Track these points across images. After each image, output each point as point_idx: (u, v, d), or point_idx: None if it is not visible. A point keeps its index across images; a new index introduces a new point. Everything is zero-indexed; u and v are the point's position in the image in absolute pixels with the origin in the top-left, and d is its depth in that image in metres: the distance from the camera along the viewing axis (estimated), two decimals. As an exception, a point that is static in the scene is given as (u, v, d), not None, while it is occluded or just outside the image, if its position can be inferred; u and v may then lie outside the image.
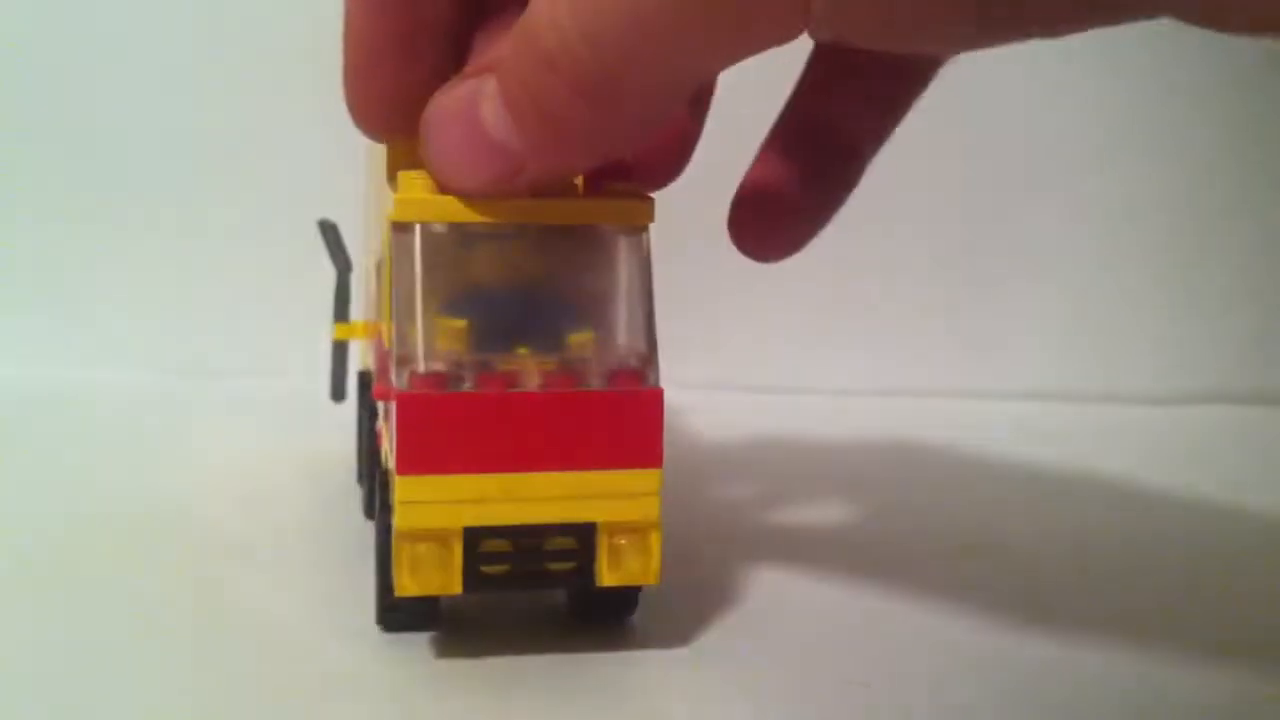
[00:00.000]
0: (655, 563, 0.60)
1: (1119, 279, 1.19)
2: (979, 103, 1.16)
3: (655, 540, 0.60)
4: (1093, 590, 0.72)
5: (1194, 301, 1.20)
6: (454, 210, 0.58)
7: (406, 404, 0.57)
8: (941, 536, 0.80)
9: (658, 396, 0.60)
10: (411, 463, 0.57)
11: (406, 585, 0.58)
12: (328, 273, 0.81)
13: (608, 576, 0.60)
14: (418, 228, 0.59)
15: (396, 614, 0.62)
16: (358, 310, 0.83)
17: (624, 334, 0.61)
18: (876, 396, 1.14)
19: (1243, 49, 1.17)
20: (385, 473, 0.63)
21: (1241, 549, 0.80)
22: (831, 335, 1.17)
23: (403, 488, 0.57)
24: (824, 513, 0.84)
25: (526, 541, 0.59)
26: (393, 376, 0.59)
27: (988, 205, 1.18)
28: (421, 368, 0.58)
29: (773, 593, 0.70)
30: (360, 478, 0.83)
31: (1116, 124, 1.18)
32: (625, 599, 0.64)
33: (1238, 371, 1.18)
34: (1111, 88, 1.17)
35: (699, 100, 0.66)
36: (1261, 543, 0.81)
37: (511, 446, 0.58)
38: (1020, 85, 1.17)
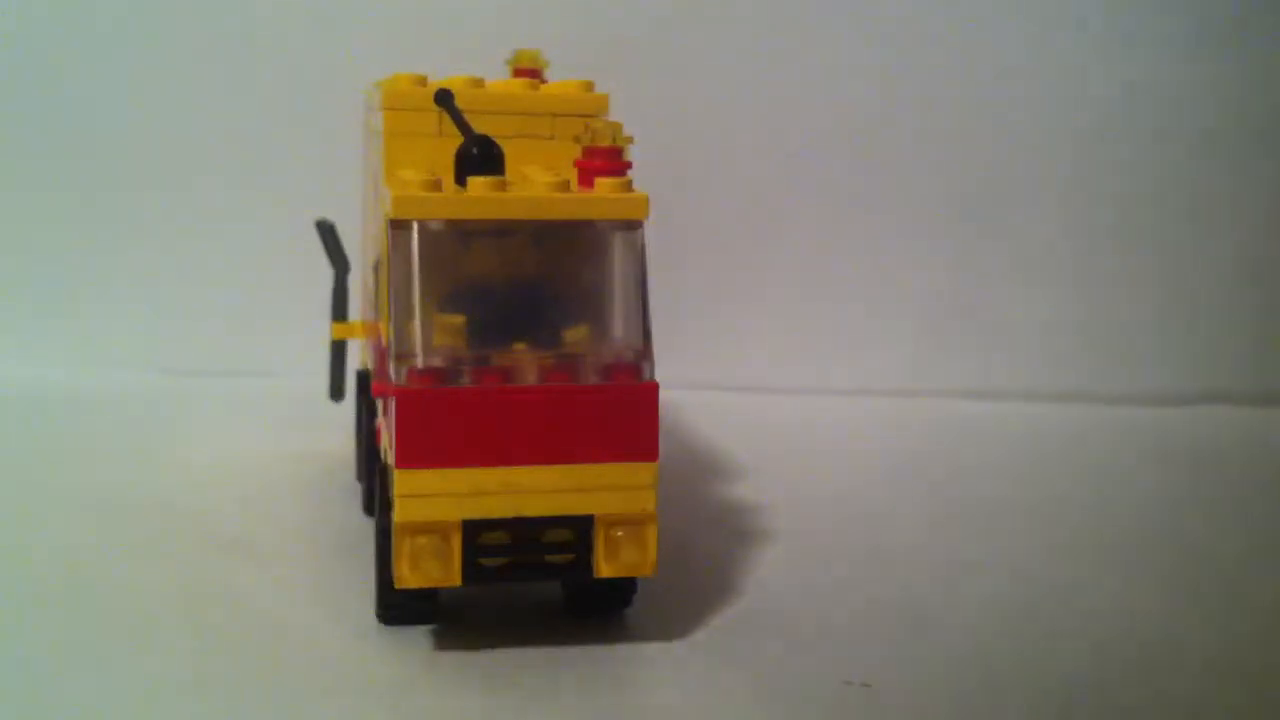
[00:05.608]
0: (652, 555, 0.61)
1: (1119, 279, 1.19)
2: (978, 102, 1.17)
3: (652, 532, 0.60)
4: (1092, 590, 0.72)
5: (1194, 301, 1.20)
6: (451, 207, 0.59)
7: (405, 399, 0.58)
8: (941, 536, 0.80)
9: (653, 390, 0.60)
10: (410, 457, 0.58)
11: (406, 577, 0.59)
12: (326, 273, 0.82)
13: (605, 568, 0.60)
14: (415, 225, 0.59)
15: (396, 607, 0.63)
16: (356, 310, 0.84)
17: (620, 329, 0.61)
18: (876, 396, 1.14)
19: (1242, 51, 1.17)
20: (384, 468, 0.63)
21: (1241, 549, 0.80)
22: (831, 335, 1.17)
23: (402, 481, 0.58)
24: (822, 511, 0.84)
25: (525, 534, 0.60)
26: (391, 372, 0.59)
27: (987, 205, 1.18)
28: (420, 363, 0.59)
29: (770, 589, 0.70)
30: (359, 475, 0.83)
31: (1115, 123, 1.18)
32: (622, 591, 0.64)
33: (1238, 371, 1.18)
34: (1111, 87, 1.17)
35: None
36: (1261, 543, 0.81)
37: (509, 440, 0.59)
38: (1019, 84, 1.17)
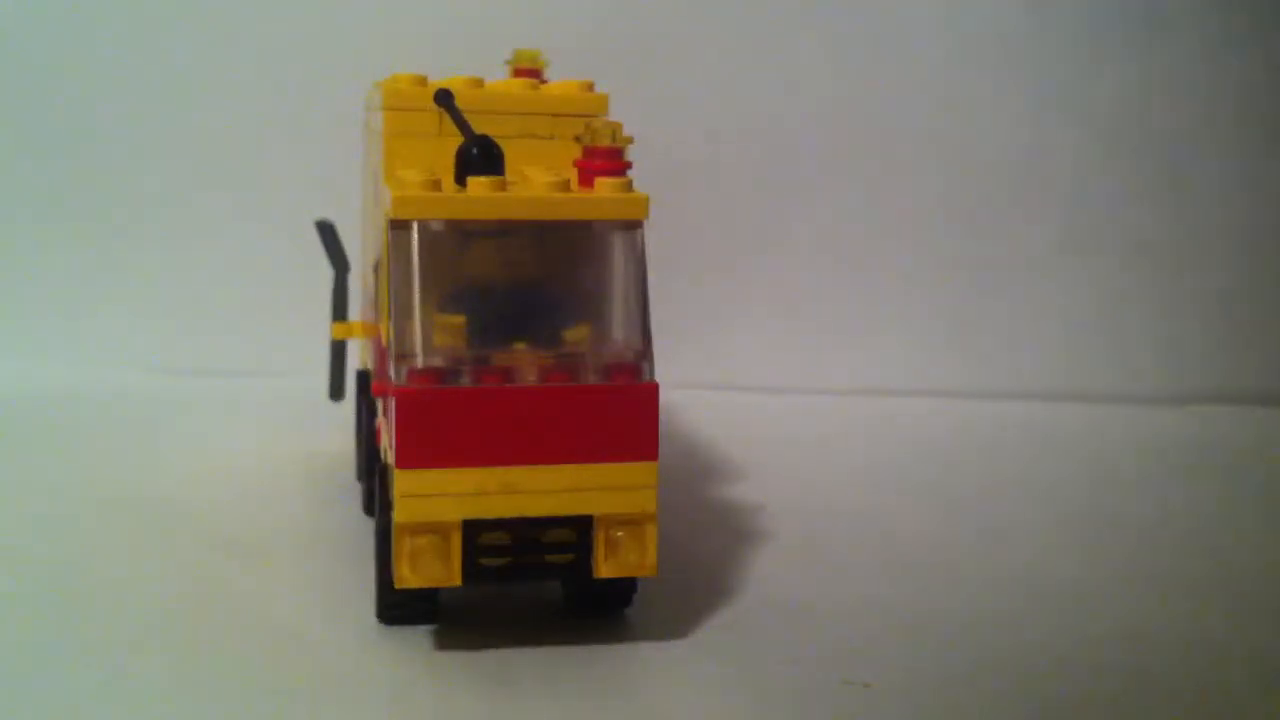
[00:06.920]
0: (652, 555, 0.61)
1: (1118, 279, 1.19)
2: (978, 104, 1.17)
3: (652, 532, 0.60)
4: (1094, 589, 0.72)
5: (1194, 301, 1.20)
6: (451, 207, 0.59)
7: (405, 399, 0.58)
8: (940, 535, 0.80)
9: (653, 390, 0.60)
10: (410, 457, 0.58)
11: (406, 577, 0.59)
12: (326, 273, 0.82)
13: (605, 568, 0.60)
14: (415, 225, 0.59)
15: (396, 607, 0.63)
16: (356, 310, 0.84)
17: (620, 329, 0.61)
18: (876, 396, 1.14)
19: (1241, 51, 1.17)
20: (384, 468, 0.63)
21: (1241, 549, 0.80)
22: (831, 335, 1.17)
23: (402, 481, 0.58)
24: (822, 512, 0.84)
25: (525, 534, 0.60)
26: (391, 372, 0.59)
27: (987, 205, 1.18)
28: (420, 363, 0.59)
29: (770, 589, 0.70)
30: (359, 475, 0.83)
31: (1114, 124, 1.18)
32: (622, 591, 0.64)
33: (1238, 371, 1.18)
34: (1107, 88, 1.17)
35: None
36: (1261, 543, 0.81)
37: (509, 440, 0.59)
38: (1020, 85, 1.17)
